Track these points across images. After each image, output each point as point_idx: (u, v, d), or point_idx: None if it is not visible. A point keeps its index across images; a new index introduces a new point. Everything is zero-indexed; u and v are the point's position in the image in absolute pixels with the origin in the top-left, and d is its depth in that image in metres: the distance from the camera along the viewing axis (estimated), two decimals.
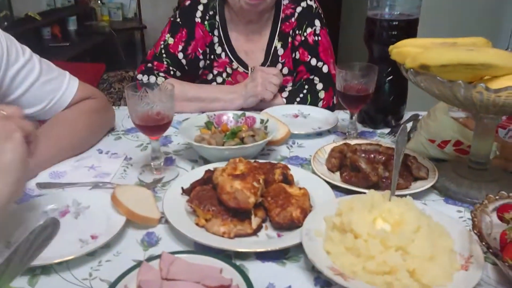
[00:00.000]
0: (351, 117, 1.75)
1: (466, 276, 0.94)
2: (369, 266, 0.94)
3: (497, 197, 1.10)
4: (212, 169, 1.38)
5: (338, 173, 1.46)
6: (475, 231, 0.96)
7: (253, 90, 1.93)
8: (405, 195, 1.31)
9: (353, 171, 1.41)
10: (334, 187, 1.37)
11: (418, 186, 1.35)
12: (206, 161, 1.57)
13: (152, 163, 1.47)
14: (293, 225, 1.15)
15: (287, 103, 2.07)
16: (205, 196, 1.21)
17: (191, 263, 1.00)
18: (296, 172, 1.42)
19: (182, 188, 1.29)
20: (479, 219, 1.01)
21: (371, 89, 1.66)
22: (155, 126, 1.39)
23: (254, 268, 1.05)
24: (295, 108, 2.04)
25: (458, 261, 0.99)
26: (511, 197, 1.11)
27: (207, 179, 1.30)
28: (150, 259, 1.02)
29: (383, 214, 1.05)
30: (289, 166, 1.43)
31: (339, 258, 0.99)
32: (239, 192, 1.14)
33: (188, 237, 1.09)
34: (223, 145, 1.55)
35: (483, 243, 0.92)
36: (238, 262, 1.07)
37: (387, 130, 1.88)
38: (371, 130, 1.89)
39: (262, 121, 1.70)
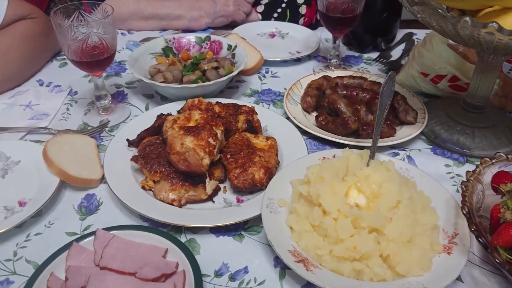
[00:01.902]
0: (334, 42, 1.50)
1: (447, 262, 0.81)
2: (337, 250, 0.81)
3: (493, 161, 0.93)
4: (165, 113, 1.18)
5: (314, 114, 1.27)
6: (464, 211, 0.81)
7: (224, 10, 1.65)
8: (388, 147, 1.15)
9: (331, 115, 1.22)
10: (308, 134, 1.19)
11: (404, 134, 1.17)
12: (164, 97, 1.36)
13: (97, 103, 1.26)
14: (256, 188, 0.99)
15: (263, 19, 1.79)
16: (154, 152, 1.03)
17: (131, 243, 0.86)
18: (265, 115, 1.22)
19: (127, 140, 1.10)
20: (470, 193, 0.86)
21: (359, 9, 1.39)
22: (94, 62, 1.15)
23: (206, 244, 0.91)
24: (271, 25, 1.76)
25: (440, 241, 0.85)
26: (509, 159, 0.94)
27: (158, 127, 1.10)
28: (83, 237, 0.87)
29: (359, 182, 0.89)
30: (258, 107, 1.24)
31: (303, 237, 0.85)
32: (190, 152, 0.96)
33: (129, 208, 0.93)
34: (181, 79, 1.32)
35: (472, 229, 0.78)
36: (189, 236, 0.92)
37: (375, 55, 1.65)
38: (357, 54, 1.66)
39: (229, 47, 1.44)
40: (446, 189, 0.95)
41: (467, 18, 0.87)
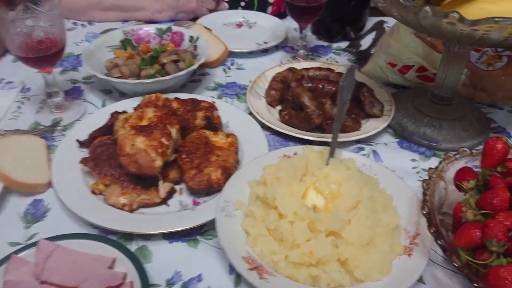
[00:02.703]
0: (301, 32, 1.45)
1: (408, 264, 0.78)
2: (292, 256, 0.77)
3: (456, 156, 0.90)
4: (121, 111, 1.12)
5: (279, 108, 1.22)
6: (424, 212, 0.78)
7: (186, 6, 1.58)
8: (353, 141, 1.11)
9: (296, 109, 1.17)
10: (272, 129, 1.14)
11: (369, 128, 1.13)
12: (122, 93, 1.29)
13: (49, 101, 1.19)
14: (213, 190, 0.94)
15: (230, 8, 1.73)
16: (104, 154, 0.97)
17: (76, 254, 0.80)
18: (226, 110, 1.17)
19: (78, 141, 1.04)
20: (432, 191, 0.83)
21: None
22: (41, 58, 1.08)
23: (159, 251, 0.86)
24: (238, 14, 1.70)
25: (401, 242, 0.82)
26: (473, 154, 0.91)
27: (111, 126, 1.04)
28: (24, 248, 0.81)
29: (317, 182, 0.85)
30: (220, 102, 1.19)
31: (259, 242, 0.81)
32: (141, 153, 0.90)
33: (77, 215, 0.87)
34: (139, 73, 1.26)
35: (432, 231, 0.74)
36: (140, 243, 0.87)
37: (345, 44, 1.60)
38: (326, 44, 1.61)
39: (191, 38, 1.38)
40: (409, 186, 0.92)
41: (428, 8, 0.83)
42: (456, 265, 0.70)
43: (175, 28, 1.41)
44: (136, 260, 0.79)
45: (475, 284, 0.67)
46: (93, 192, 0.94)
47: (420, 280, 0.82)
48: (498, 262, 0.70)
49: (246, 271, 0.75)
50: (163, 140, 0.93)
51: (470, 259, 0.73)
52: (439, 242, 0.73)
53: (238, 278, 0.81)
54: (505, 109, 1.28)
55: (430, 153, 1.11)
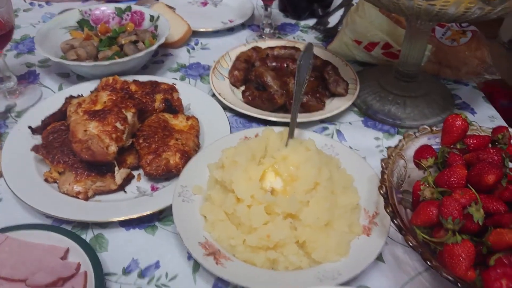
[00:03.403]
0: (266, 9, 1.41)
1: (366, 244, 0.78)
2: (250, 240, 0.75)
3: (416, 134, 0.89)
4: (77, 95, 1.07)
5: (242, 89, 1.19)
6: (382, 191, 0.77)
7: None
8: (317, 121, 1.10)
9: (258, 89, 1.15)
10: (235, 110, 1.12)
11: (334, 107, 1.12)
12: (80, 77, 1.24)
13: (1, 86, 1.13)
14: (171, 174, 0.92)
15: None
16: (57, 140, 0.93)
17: (26, 245, 0.77)
18: (188, 92, 1.13)
19: (30, 127, 0.99)
20: (390, 171, 0.82)
21: None
22: None
23: (115, 239, 0.84)
24: None
25: (360, 222, 0.82)
26: (434, 131, 0.90)
27: (66, 111, 1.00)
28: None
29: (276, 164, 0.83)
30: (181, 83, 1.15)
31: (216, 227, 0.79)
32: (94, 140, 0.87)
33: (28, 204, 0.84)
34: (97, 55, 1.21)
35: (388, 211, 0.74)
36: (96, 231, 0.85)
37: (313, 22, 1.57)
38: (293, 22, 1.57)
39: (152, 18, 1.33)
40: (370, 166, 0.91)
41: None
42: (411, 244, 0.69)
43: (135, 7, 1.35)
44: (90, 250, 0.77)
45: (429, 263, 0.67)
46: (46, 181, 0.90)
47: (380, 258, 0.82)
48: (453, 240, 0.70)
49: (202, 257, 0.74)
50: (118, 124, 0.90)
51: (426, 237, 0.72)
52: (395, 221, 0.72)
53: (197, 264, 0.80)
54: (470, 85, 1.28)
55: (394, 131, 1.10)
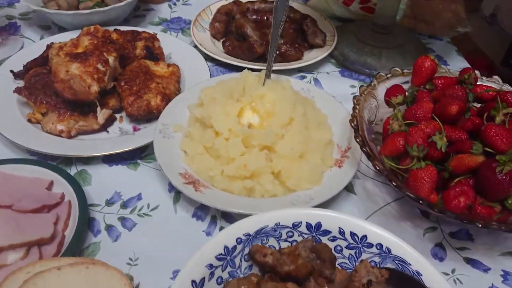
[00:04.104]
0: None
1: (338, 174, 0.82)
2: (228, 170, 0.79)
3: (388, 76, 0.93)
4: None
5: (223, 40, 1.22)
6: (353, 124, 0.81)
7: None
8: (293, 69, 1.13)
9: (238, 40, 1.17)
10: (216, 60, 1.15)
11: (312, 56, 1.15)
12: (62, 28, 1.25)
13: None
14: (153, 115, 0.95)
15: None
16: (39, 83, 0.95)
17: (11, 177, 0.80)
18: (169, 42, 1.15)
19: (12, 71, 1.00)
20: (362, 106, 0.86)
21: None
22: None
23: (98, 174, 0.87)
24: None
25: (333, 156, 0.86)
26: (405, 74, 0.95)
27: (47, 57, 1.01)
28: None
29: (253, 102, 0.87)
30: (163, 35, 1.17)
31: (196, 160, 0.83)
32: (76, 79, 0.89)
33: (12, 141, 0.86)
34: (78, 6, 1.21)
35: (358, 140, 0.78)
36: (79, 167, 0.88)
37: None
38: None
39: None
40: (343, 106, 0.95)
41: None
42: (378, 168, 0.74)
43: None
44: (73, 181, 0.80)
45: (393, 183, 0.72)
46: (30, 121, 0.92)
47: (351, 191, 0.86)
48: (418, 165, 0.75)
49: (182, 185, 0.77)
50: (99, 66, 0.92)
51: (393, 165, 0.77)
52: (364, 149, 0.77)
53: (177, 195, 0.84)
54: (444, 40, 1.32)
55: (369, 80, 1.14)
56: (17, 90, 0.93)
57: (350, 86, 1.12)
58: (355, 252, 0.70)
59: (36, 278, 0.62)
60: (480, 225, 0.65)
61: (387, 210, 0.84)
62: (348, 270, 0.69)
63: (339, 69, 1.18)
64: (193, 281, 0.62)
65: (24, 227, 0.71)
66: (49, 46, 1.05)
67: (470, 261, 0.77)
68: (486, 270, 0.75)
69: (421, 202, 0.69)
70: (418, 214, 0.84)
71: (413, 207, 0.85)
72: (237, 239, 0.67)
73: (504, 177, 0.68)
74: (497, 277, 0.74)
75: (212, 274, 0.64)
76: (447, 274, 0.75)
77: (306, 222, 0.70)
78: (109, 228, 0.78)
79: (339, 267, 0.69)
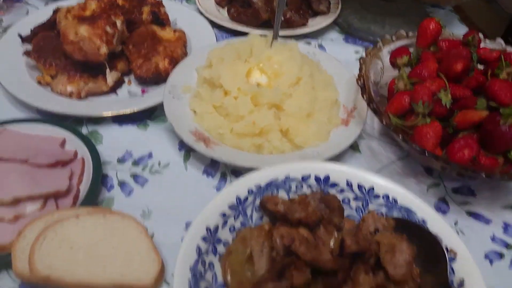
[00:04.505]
0: None
1: (344, 132, 0.84)
2: (237, 127, 0.81)
3: (393, 38, 0.95)
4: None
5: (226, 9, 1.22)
6: (359, 82, 0.83)
7: None
8: (298, 36, 1.14)
9: (243, 7, 1.18)
10: (221, 27, 1.15)
11: (316, 23, 1.16)
12: None
13: None
14: (161, 78, 0.96)
15: None
16: (49, 46, 0.96)
17: (25, 135, 0.82)
18: (175, 9, 1.16)
19: (19, 35, 1.01)
20: (368, 67, 0.87)
21: None
22: None
23: (109, 134, 0.88)
24: None
25: (339, 115, 0.88)
26: (410, 37, 0.96)
27: (55, 22, 1.02)
28: None
29: (261, 63, 0.88)
30: (168, 1, 1.17)
31: (206, 119, 0.84)
32: (85, 41, 0.90)
33: (21, 100, 0.87)
34: None
35: (364, 97, 0.80)
36: (90, 128, 0.89)
37: None
38: None
39: None
40: (349, 69, 0.96)
41: None
42: (384, 122, 0.76)
43: None
44: (86, 139, 0.81)
45: (400, 136, 0.74)
46: (39, 83, 0.93)
47: (357, 149, 0.89)
48: (423, 121, 0.77)
49: (193, 141, 0.79)
50: (108, 28, 0.92)
51: (399, 121, 0.79)
52: (371, 106, 0.79)
53: (187, 153, 0.85)
54: (446, 9, 1.33)
55: None
56: (27, 53, 0.94)
57: (355, 52, 1.13)
58: (362, 204, 0.73)
59: (56, 225, 0.64)
60: (484, 175, 0.68)
61: (391, 168, 0.86)
62: (355, 221, 0.72)
63: (343, 36, 1.19)
64: (208, 228, 0.64)
65: (40, 180, 0.73)
66: (56, 11, 1.05)
67: (472, 214, 0.79)
68: (488, 222, 0.78)
69: (426, 153, 0.71)
70: (422, 171, 0.86)
71: (417, 165, 0.87)
72: (248, 190, 0.69)
73: (507, 129, 0.70)
74: (498, 228, 0.77)
75: (225, 222, 0.67)
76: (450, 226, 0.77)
77: (315, 175, 0.72)
78: (121, 184, 0.80)
79: (347, 218, 0.72)
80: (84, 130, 0.89)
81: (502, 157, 0.73)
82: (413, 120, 0.78)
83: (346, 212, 0.73)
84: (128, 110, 0.87)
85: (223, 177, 0.82)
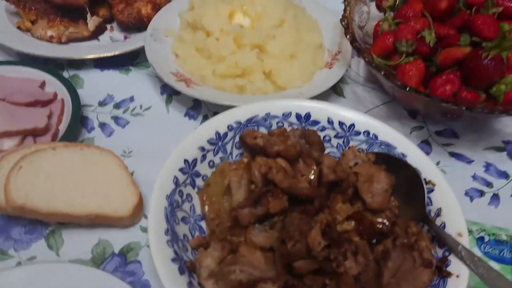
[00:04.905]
0: None
1: (328, 74, 0.83)
2: (219, 69, 0.80)
3: None
4: None
5: None
6: (343, 23, 0.82)
7: None
8: None
9: None
10: None
11: None
12: None
13: None
14: (143, 24, 0.94)
15: None
16: None
17: (4, 77, 0.80)
18: None
19: None
20: (352, 8, 0.86)
21: None
22: None
23: (90, 79, 0.87)
24: None
25: (324, 58, 0.87)
26: None
27: None
28: None
29: (244, 6, 0.86)
30: None
31: (188, 61, 0.83)
32: None
33: (1, 44, 0.86)
34: None
35: (348, 36, 0.79)
36: (71, 72, 0.88)
37: None
38: None
39: None
40: (334, 14, 0.95)
41: None
42: (367, 59, 0.75)
43: None
44: (66, 81, 0.80)
45: (383, 72, 0.73)
46: (19, 29, 0.92)
47: (341, 95, 0.88)
48: (406, 60, 0.76)
49: (175, 82, 0.78)
50: None
51: (382, 61, 0.78)
52: (354, 45, 0.78)
53: (169, 97, 0.85)
54: None
55: None
56: None
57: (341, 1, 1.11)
58: (343, 141, 0.72)
59: (32, 156, 0.64)
60: (465, 108, 0.67)
61: (375, 112, 0.86)
62: (336, 159, 0.72)
63: None
64: (186, 160, 0.64)
65: (18, 117, 0.72)
66: None
67: (454, 155, 0.79)
68: (470, 162, 0.78)
69: (408, 89, 0.70)
70: (406, 115, 0.86)
71: (401, 109, 0.86)
72: (228, 126, 0.69)
73: (489, 62, 0.69)
74: (479, 167, 0.77)
75: (204, 156, 0.66)
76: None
77: (296, 113, 0.72)
78: (102, 125, 0.79)
79: (328, 155, 0.72)
80: (65, 74, 0.87)
81: (484, 93, 0.72)
82: (396, 59, 0.78)
83: (327, 150, 0.72)
84: (110, 53, 0.86)
85: (205, 119, 0.81)
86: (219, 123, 0.68)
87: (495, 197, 0.73)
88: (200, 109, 0.82)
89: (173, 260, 0.54)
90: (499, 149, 0.80)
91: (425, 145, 0.81)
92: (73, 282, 0.56)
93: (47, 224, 0.65)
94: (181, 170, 0.63)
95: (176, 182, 0.61)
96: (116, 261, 0.62)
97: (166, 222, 0.57)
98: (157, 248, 0.53)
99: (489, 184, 0.75)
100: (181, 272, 0.53)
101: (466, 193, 0.74)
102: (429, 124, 0.84)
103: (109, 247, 0.64)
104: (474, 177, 0.76)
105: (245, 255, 0.52)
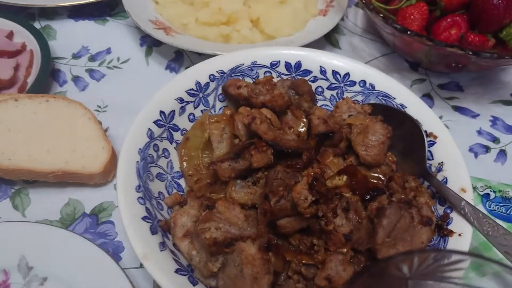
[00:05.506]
0: None
1: (322, 22, 0.76)
2: (202, 16, 0.73)
3: None
4: None
5: None
6: None
7: None
8: None
9: None
10: None
11: None
12: None
13: None
14: None
15: None
16: None
17: None
18: None
19: None
20: None
21: None
22: None
23: (64, 30, 0.80)
24: None
25: (317, 5, 0.79)
26: None
27: None
28: None
29: None
30: None
31: (168, 8, 0.76)
32: None
33: None
34: None
35: None
36: (43, 23, 0.81)
37: None
38: None
39: None
40: None
41: None
42: (364, 1, 0.67)
43: None
44: (35, 31, 0.74)
45: (381, 15, 0.66)
46: None
47: (337, 46, 0.81)
48: (407, 3, 0.69)
49: (153, 29, 0.71)
50: None
51: (382, 5, 0.71)
52: None
53: (149, 49, 0.78)
54: None
55: None
56: None
57: None
58: (337, 93, 0.66)
59: None
60: (471, 53, 0.60)
61: (374, 64, 0.79)
62: (329, 112, 0.65)
63: None
64: (162, 112, 0.58)
65: None
66: None
67: (458, 109, 0.73)
68: (475, 116, 0.72)
69: (408, 33, 0.63)
70: (407, 67, 0.79)
71: (402, 61, 0.79)
72: (210, 76, 0.62)
73: (500, 1, 0.62)
74: (485, 122, 0.71)
75: (183, 108, 0.60)
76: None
77: (285, 61, 0.65)
78: (75, 78, 0.73)
79: (320, 107, 0.65)
80: (37, 25, 0.80)
81: (493, 38, 0.65)
82: (397, 3, 0.70)
83: (319, 104, 0.66)
84: (84, 1, 0.78)
85: None
86: (200, 72, 0.62)
87: (502, 153, 0.67)
88: (182, 61, 0.76)
89: (144, 218, 0.49)
90: (506, 103, 0.74)
91: (427, 99, 0.74)
92: (38, 243, 0.51)
93: (13, 183, 0.59)
94: (156, 122, 0.57)
95: (151, 135, 0.56)
96: (86, 222, 0.57)
97: (138, 177, 0.52)
98: (125, 205, 0.48)
99: (495, 140, 0.69)
100: (153, 231, 0.48)
101: (471, 149, 0.68)
102: (432, 77, 0.77)
103: (80, 207, 0.58)
104: (480, 132, 0.70)
105: (222, 212, 0.47)
